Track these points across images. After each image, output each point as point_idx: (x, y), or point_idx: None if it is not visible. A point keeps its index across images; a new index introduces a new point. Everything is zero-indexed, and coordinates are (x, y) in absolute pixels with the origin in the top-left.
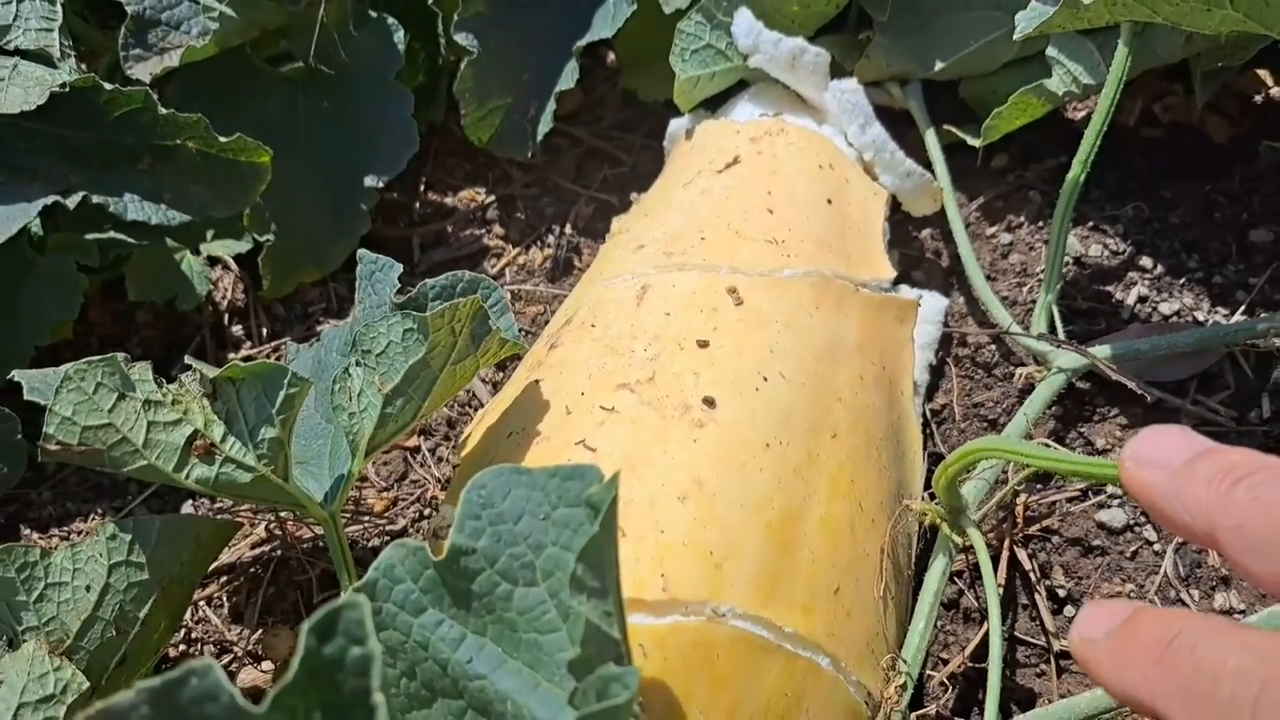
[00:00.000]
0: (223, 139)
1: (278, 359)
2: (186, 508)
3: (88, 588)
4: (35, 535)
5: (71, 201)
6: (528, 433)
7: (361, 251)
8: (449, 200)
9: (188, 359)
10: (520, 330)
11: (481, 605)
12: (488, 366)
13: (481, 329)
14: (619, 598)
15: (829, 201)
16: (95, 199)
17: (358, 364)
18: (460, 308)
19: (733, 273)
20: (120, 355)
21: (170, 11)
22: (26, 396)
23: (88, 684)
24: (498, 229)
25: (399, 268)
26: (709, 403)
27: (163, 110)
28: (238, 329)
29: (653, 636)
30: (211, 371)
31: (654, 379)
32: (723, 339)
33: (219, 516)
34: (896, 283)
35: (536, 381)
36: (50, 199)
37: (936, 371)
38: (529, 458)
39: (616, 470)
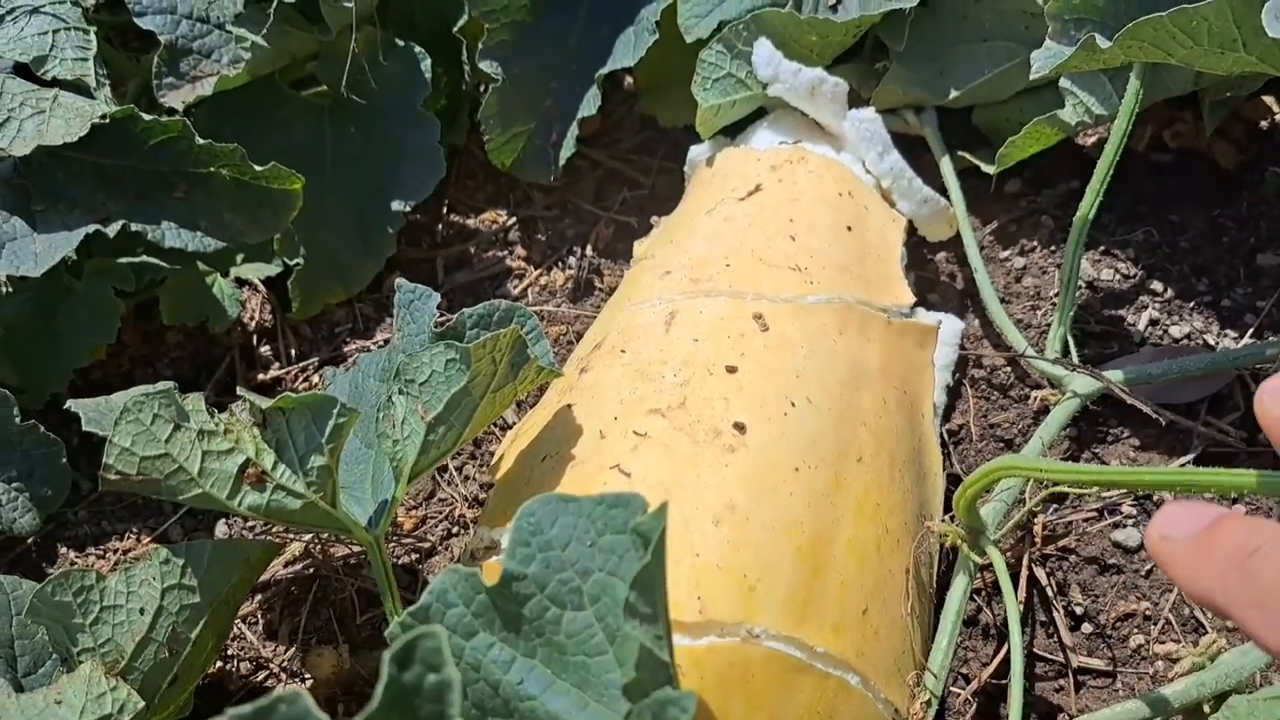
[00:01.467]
0: (257, 168)
1: (306, 380)
2: (220, 527)
3: (142, 610)
4: (72, 554)
5: (112, 230)
6: (562, 456)
7: (400, 281)
8: (471, 222)
9: (239, 390)
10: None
11: (531, 629)
12: (526, 393)
13: (520, 358)
14: (668, 623)
15: (849, 228)
16: (134, 227)
17: (401, 392)
18: (501, 339)
19: (758, 299)
20: (172, 386)
21: (202, 40)
22: (85, 427)
23: (142, 703)
24: (519, 250)
25: (437, 297)
26: (739, 428)
27: (200, 140)
28: (266, 349)
29: (690, 657)
30: (263, 402)
31: (685, 404)
32: (750, 364)
33: (259, 538)
34: (913, 307)
35: (569, 406)
36: (91, 228)
37: (953, 393)
38: (564, 482)
39: (664, 502)
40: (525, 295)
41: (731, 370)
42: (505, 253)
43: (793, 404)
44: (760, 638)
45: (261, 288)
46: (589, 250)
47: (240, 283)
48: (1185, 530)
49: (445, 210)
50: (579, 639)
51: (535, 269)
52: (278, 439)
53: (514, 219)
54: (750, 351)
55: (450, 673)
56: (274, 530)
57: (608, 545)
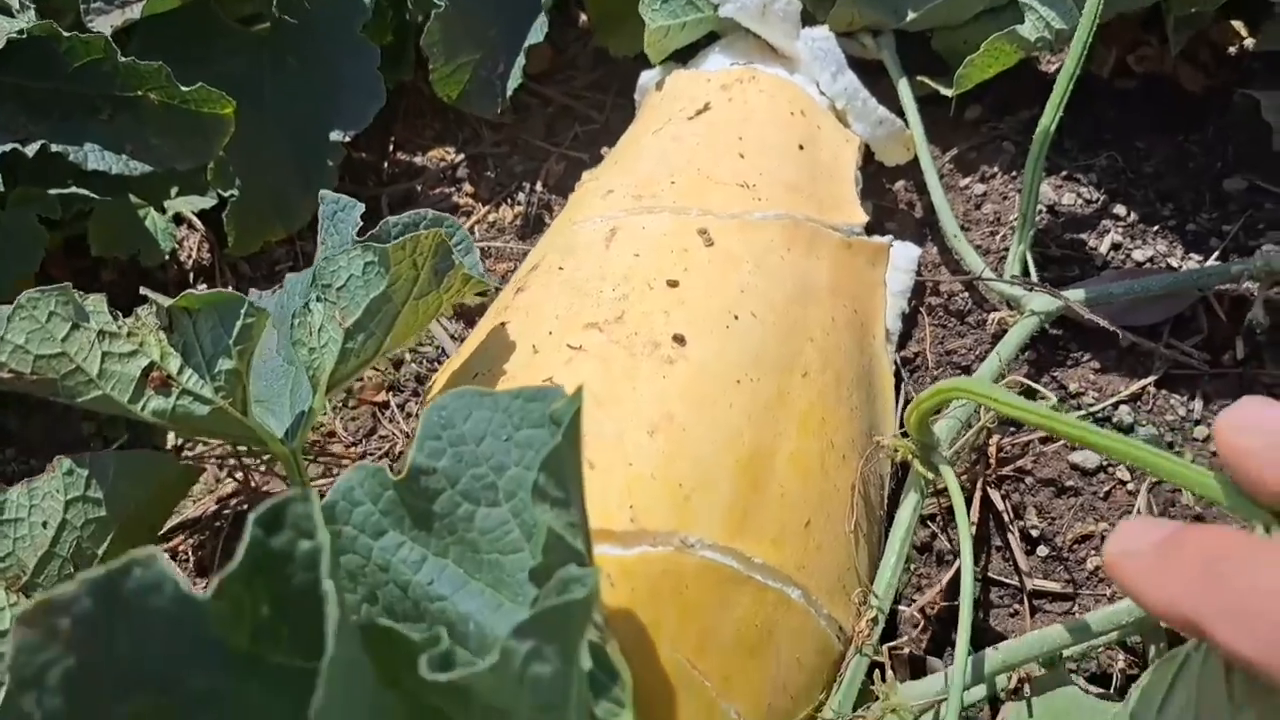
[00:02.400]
0: (185, 89)
1: None
2: None
3: (44, 524)
4: None
5: (30, 150)
6: (493, 374)
7: (323, 192)
8: (418, 159)
9: (144, 290)
10: (489, 279)
11: (443, 526)
12: (453, 303)
13: (444, 264)
14: (583, 513)
15: (800, 147)
16: (55, 148)
17: (318, 299)
18: (422, 239)
19: (703, 215)
20: (68, 285)
21: None
22: None
23: None
24: (467, 187)
25: (361, 207)
26: (679, 340)
27: (123, 59)
28: (203, 288)
29: (620, 567)
30: (167, 301)
31: (623, 318)
32: (693, 279)
33: (186, 462)
34: (870, 233)
35: (503, 324)
36: (8, 147)
37: (909, 320)
38: None
39: (580, 385)
40: (473, 232)
41: (673, 284)
42: (453, 190)
43: (735, 318)
44: (695, 547)
45: (200, 225)
46: (539, 186)
47: (179, 221)
48: (1146, 542)
49: (391, 148)
50: (493, 536)
51: (484, 206)
52: (184, 341)
53: (462, 156)
54: (693, 266)
55: (322, 538)
56: (203, 460)
57: (525, 440)
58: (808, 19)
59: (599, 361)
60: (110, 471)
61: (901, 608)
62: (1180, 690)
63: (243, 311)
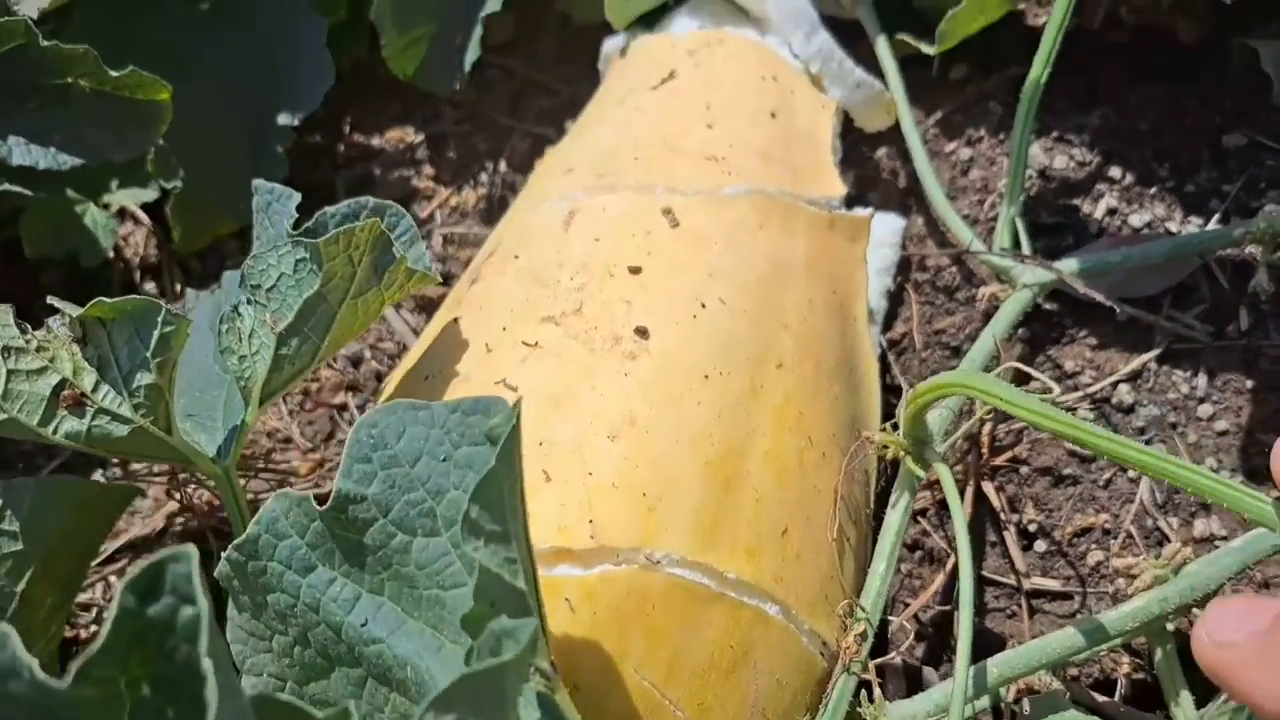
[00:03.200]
0: (115, 74)
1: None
2: (98, 478)
3: None
4: None
5: None
6: (445, 374)
7: (257, 182)
8: (376, 141)
9: (50, 299)
10: (436, 266)
11: (376, 560)
12: (397, 300)
13: (385, 258)
14: (526, 544)
15: (773, 115)
16: None
17: (248, 301)
18: (358, 233)
19: (668, 192)
20: None
21: None
22: None
23: None
24: (428, 169)
25: (296, 196)
26: (641, 332)
27: (45, 43)
28: (150, 287)
29: (581, 589)
30: (76, 311)
31: (581, 310)
32: (657, 263)
33: (119, 483)
34: (851, 205)
35: (455, 320)
36: None
37: (895, 298)
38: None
39: (518, 399)
40: (434, 217)
41: (635, 271)
42: (412, 172)
43: (703, 305)
44: (661, 564)
45: (146, 220)
46: (503, 165)
47: (123, 215)
48: (1244, 632)
49: (348, 130)
50: (432, 570)
51: (445, 188)
52: (99, 355)
53: (422, 136)
54: (657, 249)
55: (203, 604)
56: (144, 478)
57: (465, 459)
58: None
59: (555, 359)
60: (26, 502)
61: (891, 617)
62: None
63: (160, 320)
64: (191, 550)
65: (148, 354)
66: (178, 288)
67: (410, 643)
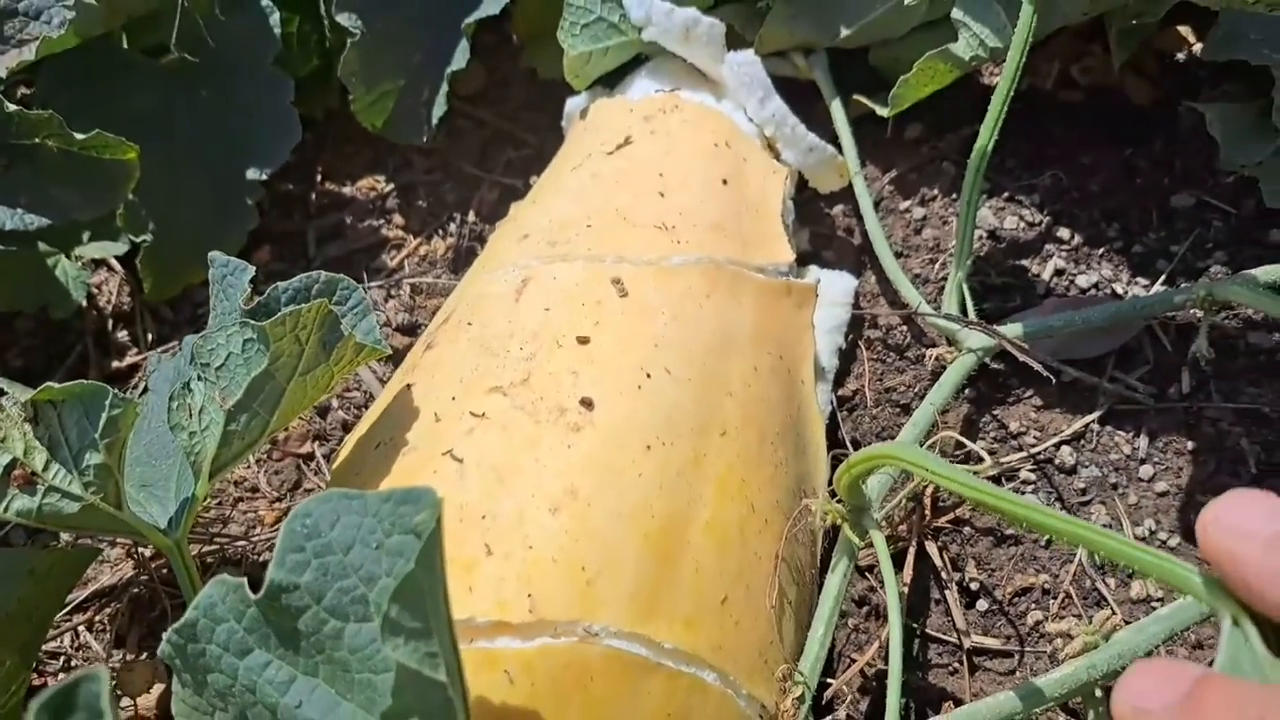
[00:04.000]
0: (80, 136)
1: None
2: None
3: None
4: None
5: None
6: (395, 443)
7: (213, 254)
8: (347, 190)
9: (0, 382)
10: (401, 318)
11: (310, 645)
12: (346, 374)
13: (333, 335)
14: (450, 635)
15: (725, 182)
16: None
17: (199, 378)
18: (304, 314)
19: (619, 262)
20: None
21: (28, 1)
22: None
23: None
24: (398, 218)
25: (251, 270)
26: (586, 404)
27: (11, 107)
28: (123, 334)
29: (520, 661)
30: (26, 394)
31: (529, 380)
32: (604, 334)
33: (78, 543)
34: (807, 262)
35: (408, 386)
36: None
37: (847, 356)
38: (394, 470)
39: (439, 498)
40: (403, 266)
41: (583, 341)
42: (382, 221)
43: (648, 375)
44: (599, 636)
45: (119, 268)
46: (471, 216)
47: (97, 264)
48: (1162, 700)
49: (319, 179)
50: (364, 654)
51: (415, 238)
52: (49, 435)
53: (392, 185)
54: (605, 320)
55: None
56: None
57: (396, 547)
58: (736, 39)
59: (500, 430)
60: None
61: (830, 680)
62: None
63: (108, 403)
64: (102, 672)
65: (96, 435)
66: (149, 336)
67: None
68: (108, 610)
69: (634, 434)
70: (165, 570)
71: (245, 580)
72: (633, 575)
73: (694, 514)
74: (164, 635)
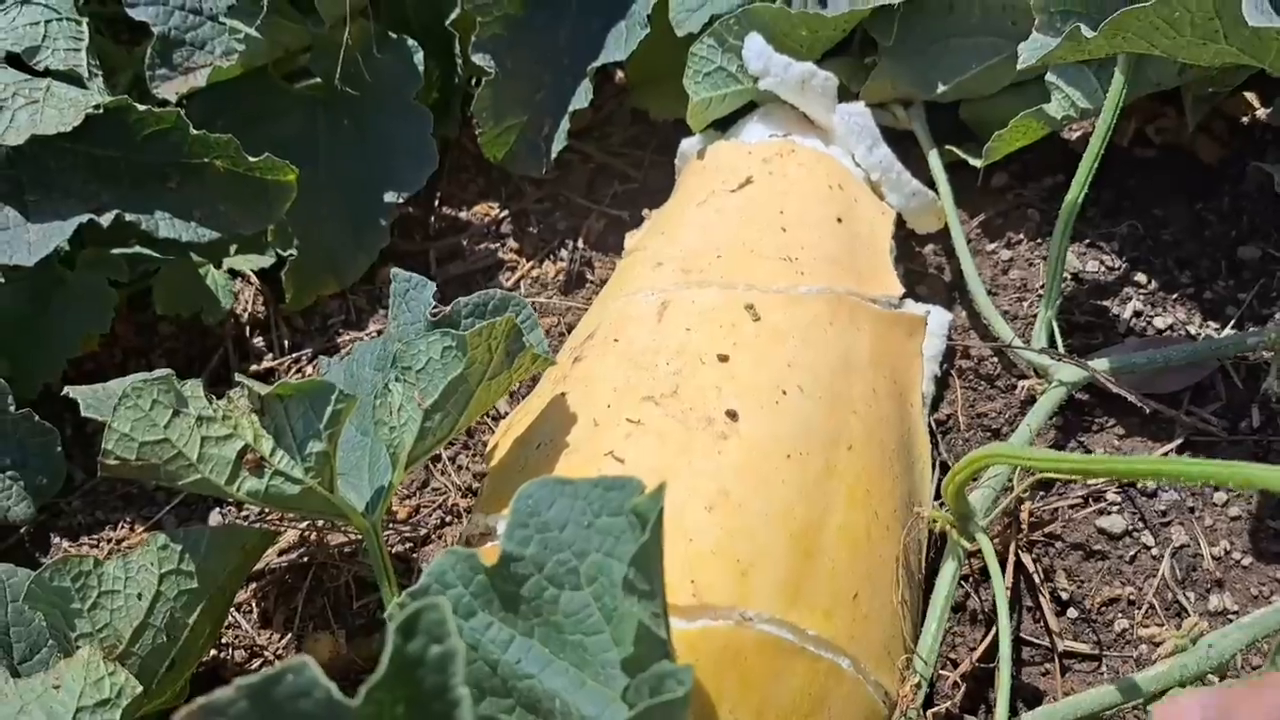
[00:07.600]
0: (251, 159)
1: (299, 371)
2: (214, 516)
3: (139, 595)
4: (66, 543)
5: (105, 220)
6: (556, 443)
7: (395, 270)
8: (464, 215)
9: (238, 377)
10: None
11: (529, 609)
12: (520, 382)
13: (515, 346)
14: (664, 602)
15: (839, 220)
16: (129, 217)
17: (398, 379)
18: (497, 326)
19: (750, 289)
20: (170, 373)
21: (195, 32)
22: (84, 413)
23: (140, 688)
24: (511, 243)
25: (433, 286)
26: (732, 415)
27: (194, 131)
28: (259, 341)
29: (684, 639)
30: (262, 389)
31: (677, 392)
32: (742, 354)
33: (255, 525)
34: (902, 299)
35: (563, 394)
36: (85, 217)
37: (941, 383)
38: (559, 468)
39: (662, 483)
40: (518, 287)
41: (724, 359)
42: (497, 245)
43: (784, 392)
44: (753, 621)
45: (254, 279)
46: (580, 243)
47: (233, 274)
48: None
49: (438, 203)
50: (576, 618)
51: (527, 261)
52: (276, 425)
53: (506, 212)
54: (742, 341)
55: (454, 643)
56: (269, 518)
57: (604, 527)
58: (843, 92)
59: (656, 437)
60: (203, 546)
61: (940, 672)
62: None
63: (334, 398)
64: (444, 602)
65: (320, 426)
66: (284, 343)
67: (557, 679)
68: (255, 594)
69: (775, 444)
70: (304, 560)
71: (477, 552)
72: (780, 569)
73: (828, 518)
74: (393, 601)
